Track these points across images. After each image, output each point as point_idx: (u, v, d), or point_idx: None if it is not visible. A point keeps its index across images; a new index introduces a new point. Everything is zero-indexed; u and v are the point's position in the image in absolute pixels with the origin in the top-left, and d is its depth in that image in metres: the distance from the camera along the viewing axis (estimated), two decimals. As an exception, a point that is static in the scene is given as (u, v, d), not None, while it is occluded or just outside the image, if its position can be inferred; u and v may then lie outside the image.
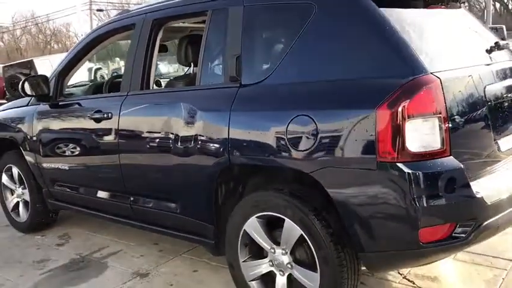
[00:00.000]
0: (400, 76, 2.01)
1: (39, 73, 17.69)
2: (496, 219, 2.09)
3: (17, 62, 20.98)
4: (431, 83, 1.98)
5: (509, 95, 2.45)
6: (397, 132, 1.96)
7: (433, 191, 1.98)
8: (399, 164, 1.97)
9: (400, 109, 1.95)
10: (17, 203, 4.24)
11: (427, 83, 1.98)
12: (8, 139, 4.09)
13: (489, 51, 2.49)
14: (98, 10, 48.08)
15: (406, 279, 2.93)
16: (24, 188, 4.12)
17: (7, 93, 18.09)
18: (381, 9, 2.17)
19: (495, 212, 2.09)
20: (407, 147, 1.97)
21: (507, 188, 2.18)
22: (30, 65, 18.13)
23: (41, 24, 67.65)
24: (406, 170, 1.96)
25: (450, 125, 2.02)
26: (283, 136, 2.25)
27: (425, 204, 1.96)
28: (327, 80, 2.23)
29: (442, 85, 2.00)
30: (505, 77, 2.47)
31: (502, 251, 3.20)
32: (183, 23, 3.45)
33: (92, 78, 14.40)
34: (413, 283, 2.88)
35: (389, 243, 2.10)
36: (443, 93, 2.00)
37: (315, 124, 2.15)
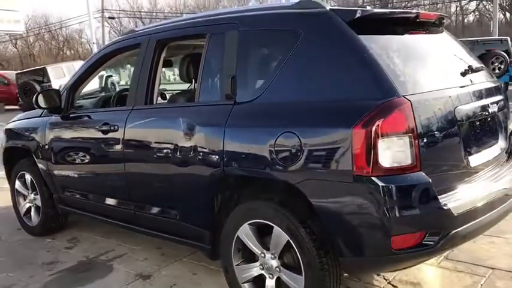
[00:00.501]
0: (374, 99, 2.23)
1: (52, 80, 18.09)
2: (463, 229, 2.29)
3: (30, 69, 21.43)
4: (402, 105, 2.20)
5: (480, 115, 2.66)
6: (371, 149, 2.17)
7: (404, 202, 2.19)
8: (373, 178, 2.19)
9: (373, 128, 2.16)
10: (29, 208, 4.50)
11: (398, 105, 2.20)
12: (21, 148, 4.36)
13: (463, 74, 2.69)
14: (109, 18, 48.70)
15: (391, 284, 3.12)
16: (36, 194, 4.37)
17: (20, 100, 18.53)
18: (360, 36, 2.40)
19: (462, 222, 2.29)
20: (380, 163, 2.18)
21: (474, 201, 2.38)
22: (42, 72, 18.55)
23: (54, 30, 68.62)
24: (379, 183, 2.18)
25: (420, 143, 2.23)
26: (271, 150, 2.47)
27: (396, 215, 2.17)
28: (310, 101, 2.45)
29: (412, 107, 2.21)
30: (476, 99, 2.67)
31: (484, 259, 3.39)
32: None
33: (103, 85, 14.69)
34: (397, 287, 3.07)
35: (365, 250, 2.31)
36: (414, 114, 2.21)
37: (300, 140, 2.37)
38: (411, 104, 2.22)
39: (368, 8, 2.82)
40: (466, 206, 2.31)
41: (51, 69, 18.54)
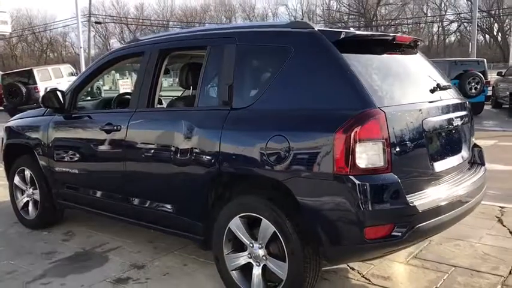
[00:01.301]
0: (353, 109, 2.59)
1: (38, 82, 18.13)
2: (427, 224, 2.66)
3: (16, 70, 21.45)
4: (377, 115, 2.56)
5: (445, 127, 3.05)
6: (349, 152, 2.53)
7: (376, 198, 2.54)
8: (350, 177, 2.54)
9: (352, 134, 2.52)
10: (27, 202, 4.74)
11: (374, 115, 2.56)
12: (23, 144, 4.61)
13: (432, 90, 3.09)
14: (96, 22, 48.74)
15: (364, 277, 3.47)
16: (34, 189, 4.62)
17: (4, 101, 18.57)
18: (343, 54, 2.76)
19: (426, 218, 2.65)
20: (357, 164, 2.54)
21: (437, 201, 2.75)
22: (29, 74, 18.64)
23: (38, 32, 68.24)
24: (355, 181, 2.53)
25: (392, 148, 2.60)
26: (263, 151, 2.81)
27: (369, 209, 2.53)
28: (298, 108, 2.81)
29: (386, 117, 2.58)
30: (442, 113, 3.06)
31: (448, 258, 3.76)
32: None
33: (89, 89, 14.74)
34: (370, 281, 3.41)
35: (342, 239, 2.65)
36: (387, 123, 2.58)
37: (288, 142, 2.71)
38: (385, 115, 2.58)
39: (352, 29, 3.20)
40: (430, 205, 2.68)
41: (37, 72, 18.66)
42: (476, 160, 3.59)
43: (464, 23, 59.68)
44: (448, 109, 3.15)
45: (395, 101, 2.77)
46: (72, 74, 19.67)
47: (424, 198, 2.69)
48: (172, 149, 3.29)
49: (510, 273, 3.49)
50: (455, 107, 3.26)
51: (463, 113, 3.35)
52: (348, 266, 3.61)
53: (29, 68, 19.73)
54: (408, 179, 2.69)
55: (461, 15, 59.88)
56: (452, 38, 66.03)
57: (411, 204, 2.58)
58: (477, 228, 4.44)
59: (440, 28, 65.33)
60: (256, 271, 2.99)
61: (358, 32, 2.99)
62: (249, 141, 2.92)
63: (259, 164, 2.84)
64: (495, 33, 62.21)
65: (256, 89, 3.09)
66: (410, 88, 3.07)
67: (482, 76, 14.77)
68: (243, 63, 3.13)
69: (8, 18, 22.62)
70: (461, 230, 4.35)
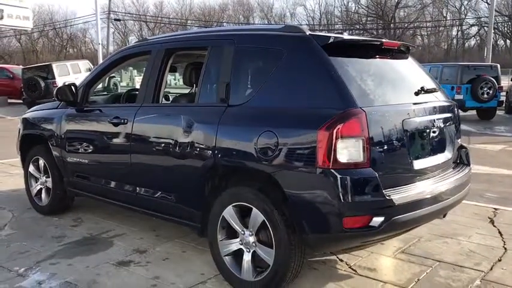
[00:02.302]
0: (337, 108, 2.80)
1: (56, 77, 18.60)
2: (402, 217, 2.86)
3: (36, 65, 21.99)
4: (358, 114, 2.77)
5: (426, 128, 3.24)
6: (332, 147, 2.74)
7: (355, 191, 2.75)
8: (332, 171, 2.75)
9: (334, 131, 2.74)
10: (40, 190, 5.04)
11: (355, 114, 2.77)
12: (38, 135, 4.91)
13: (417, 93, 3.28)
14: (115, 20, 49.40)
15: (351, 268, 3.67)
16: (47, 177, 4.91)
17: (24, 94, 19.09)
18: (332, 57, 2.98)
19: (402, 212, 2.85)
20: (339, 159, 2.75)
21: (413, 196, 2.95)
22: (48, 68, 19.12)
23: (58, 28, 69.39)
24: (337, 175, 2.74)
25: (371, 145, 2.80)
26: (254, 146, 3.04)
27: (348, 200, 2.74)
28: (287, 107, 3.03)
29: (367, 116, 2.79)
30: (424, 114, 3.24)
31: (434, 254, 3.95)
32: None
33: (106, 85, 15.24)
34: (356, 271, 3.62)
35: (323, 228, 2.87)
36: (368, 122, 2.79)
37: (277, 138, 2.94)
38: (366, 114, 2.79)
39: (345, 34, 3.41)
40: (407, 199, 2.88)
41: (56, 67, 19.13)
42: (462, 160, 3.76)
43: (485, 27, 59.05)
44: (431, 111, 3.33)
45: (377, 102, 2.98)
46: (89, 70, 20.10)
47: (401, 193, 2.89)
48: (174, 142, 3.53)
49: (491, 269, 3.66)
50: (440, 109, 3.45)
51: (448, 115, 3.53)
52: (337, 257, 3.82)
53: (48, 63, 20.21)
54: (387, 174, 2.89)
55: (482, 19, 59.26)
56: (472, 42, 65.42)
57: (388, 198, 2.79)
58: (469, 227, 4.62)
59: (460, 32, 64.77)
60: (247, 257, 3.22)
61: (346, 37, 3.20)
62: (242, 136, 3.15)
63: (250, 157, 3.07)
64: (516, 38, 61.50)
65: (251, 87, 3.33)
66: (394, 90, 3.27)
67: (495, 81, 14.80)
68: (240, 63, 3.35)
69: (30, 14, 23.11)
70: (453, 229, 4.54)
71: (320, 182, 2.80)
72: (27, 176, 5.15)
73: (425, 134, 3.25)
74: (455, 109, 3.73)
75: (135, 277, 3.52)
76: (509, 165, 8.21)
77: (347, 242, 2.97)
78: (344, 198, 2.73)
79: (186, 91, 4.81)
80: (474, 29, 63.01)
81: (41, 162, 4.94)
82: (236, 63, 3.35)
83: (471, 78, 14.99)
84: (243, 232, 3.22)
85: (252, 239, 3.17)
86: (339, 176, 2.74)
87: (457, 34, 65.24)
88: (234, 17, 71.08)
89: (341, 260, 3.79)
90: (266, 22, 67.26)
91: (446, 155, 3.48)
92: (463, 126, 12.78)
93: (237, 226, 3.24)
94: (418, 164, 3.13)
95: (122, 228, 4.57)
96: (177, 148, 3.51)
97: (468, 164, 3.75)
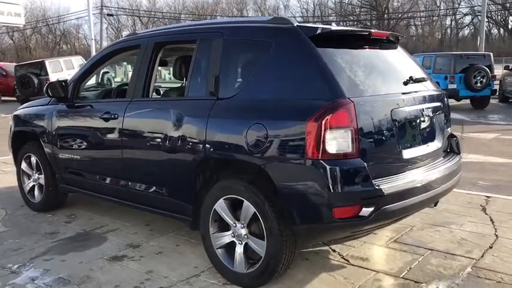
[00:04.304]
0: (325, 99, 2.81)
1: (49, 73, 18.51)
2: (392, 206, 2.87)
3: (29, 62, 21.87)
4: (346, 104, 2.78)
5: (415, 117, 3.25)
6: (320, 138, 2.75)
7: (344, 181, 2.76)
8: (321, 161, 2.76)
9: (323, 122, 2.74)
10: (33, 187, 5.03)
11: (343, 104, 2.78)
12: (29, 132, 4.90)
13: (406, 83, 3.29)
14: (108, 15, 49.17)
15: (344, 258, 3.70)
16: (40, 174, 4.90)
17: (17, 91, 19.01)
18: (319, 48, 2.98)
19: (391, 201, 2.86)
20: (327, 150, 2.76)
21: (403, 185, 2.96)
22: (41, 65, 19.02)
23: (51, 24, 68.93)
24: (326, 165, 2.75)
25: (360, 136, 2.81)
26: (244, 138, 3.04)
27: (337, 190, 2.75)
28: (276, 99, 3.03)
29: (355, 107, 2.79)
30: (413, 104, 3.25)
31: (426, 242, 3.97)
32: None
33: (99, 81, 15.15)
34: (348, 261, 3.64)
35: (313, 218, 2.88)
36: (356, 112, 2.79)
37: (266, 130, 2.94)
38: (354, 105, 2.80)
39: (333, 25, 3.41)
40: (396, 188, 2.90)
41: (49, 63, 19.05)
42: (453, 149, 3.78)
43: (478, 16, 58.93)
44: (420, 100, 3.34)
45: (366, 92, 2.98)
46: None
47: (390, 182, 2.90)
48: (164, 136, 3.53)
49: (482, 256, 3.69)
50: (429, 99, 3.46)
51: (437, 104, 3.54)
52: (330, 247, 3.84)
53: (40, 60, 20.13)
54: (376, 164, 2.91)
55: (475, 8, 59.18)
56: (466, 31, 65.35)
57: (377, 187, 2.80)
58: (461, 215, 4.65)
59: (454, 21, 64.70)
60: (239, 249, 3.23)
61: (334, 28, 3.19)
62: (232, 129, 3.16)
63: (240, 150, 3.07)
64: (510, 27, 61.47)
65: (240, 80, 3.32)
66: (383, 80, 3.27)
67: (488, 70, 14.84)
68: (228, 56, 3.35)
69: (21, 11, 22.95)
70: (445, 217, 4.57)
71: (309, 173, 2.81)
72: (20, 173, 5.14)
73: (414, 124, 3.26)
74: (445, 98, 3.74)
75: (128, 271, 3.53)
76: (502, 153, 8.25)
77: (337, 232, 2.99)
78: (334, 189, 2.74)
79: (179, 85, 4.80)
80: (468, 18, 63.00)
81: (33, 159, 4.93)
82: (225, 56, 3.35)
83: (464, 67, 15.02)
84: (234, 225, 3.23)
85: (243, 231, 3.18)
86: (328, 167, 2.75)
87: (451, 24, 65.19)
88: (227, 10, 70.72)
89: (334, 251, 3.81)
90: (260, 15, 66.95)
91: (436, 144, 3.49)
92: (457, 116, 12.87)
93: (229, 219, 3.24)
94: (408, 154, 3.14)
95: (116, 223, 4.57)
96: (168, 142, 3.51)
97: (459, 153, 3.76)
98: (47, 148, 4.66)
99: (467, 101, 15.87)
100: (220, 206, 3.26)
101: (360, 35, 3.30)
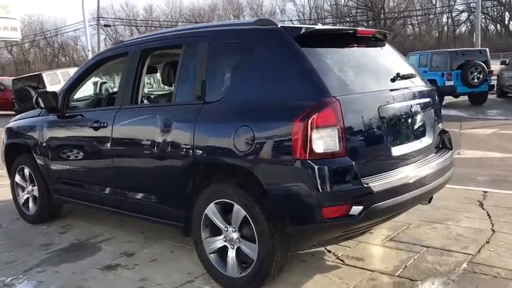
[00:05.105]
0: (311, 99, 2.78)
1: (47, 86, 18.53)
2: (382, 204, 2.84)
3: (26, 75, 21.89)
4: (332, 103, 2.75)
5: (403, 114, 3.22)
6: (307, 138, 2.72)
7: (332, 181, 2.73)
8: (309, 161, 2.74)
9: (309, 122, 2.72)
10: (27, 199, 5.01)
11: (329, 103, 2.75)
12: (22, 144, 4.88)
13: (393, 80, 3.26)
14: (105, 25, 49.32)
15: (339, 258, 3.66)
16: (33, 186, 4.88)
17: (16, 105, 19.02)
18: (304, 48, 2.96)
19: (381, 199, 2.83)
20: (315, 149, 2.73)
21: (393, 182, 2.93)
22: (38, 78, 19.07)
23: (49, 37, 69.19)
24: (313, 165, 2.73)
25: (347, 134, 2.79)
26: (232, 141, 3.02)
27: (326, 190, 2.72)
28: (262, 100, 3.01)
29: (341, 105, 2.77)
30: (401, 100, 3.22)
31: (423, 240, 3.94)
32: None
33: (97, 91, 15.11)
34: (343, 261, 3.61)
35: (303, 219, 2.85)
36: (342, 111, 2.77)
37: (253, 132, 2.92)
38: (340, 103, 2.77)
39: (319, 25, 3.39)
40: (385, 186, 2.86)
41: (46, 76, 19.08)
42: (445, 145, 3.75)
43: (474, 13, 58.99)
44: (408, 97, 3.31)
45: (352, 90, 2.96)
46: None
47: (380, 180, 2.87)
48: (153, 142, 3.51)
49: (479, 251, 3.65)
50: (418, 95, 3.43)
51: (426, 100, 3.51)
52: (325, 248, 3.81)
53: (38, 73, 20.17)
54: (365, 162, 2.88)
55: (471, 4, 59.17)
56: (463, 28, 65.36)
57: (366, 186, 2.77)
58: (458, 211, 4.61)
59: (450, 19, 64.75)
60: (231, 253, 3.20)
61: (318, 27, 3.18)
62: (219, 133, 3.13)
63: (229, 153, 3.05)
64: (506, 23, 61.51)
65: (226, 83, 3.30)
66: (370, 78, 3.24)
67: (484, 66, 14.81)
68: (214, 60, 3.33)
69: (18, 25, 23.01)
70: (442, 214, 4.53)
71: (297, 173, 2.78)
72: (14, 186, 5.12)
73: (403, 120, 3.23)
74: (435, 94, 3.71)
75: (122, 280, 3.51)
76: (501, 148, 8.22)
77: (328, 232, 2.96)
78: (322, 189, 2.72)
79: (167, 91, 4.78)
80: (464, 15, 63.03)
81: (26, 171, 4.92)
82: (210, 60, 3.33)
83: (461, 64, 14.99)
84: (226, 229, 3.20)
85: (235, 235, 3.16)
86: (315, 167, 2.72)
87: (448, 21, 65.25)
88: (224, 16, 70.92)
89: (329, 251, 3.77)
90: (256, 20, 67.01)
91: (427, 140, 3.46)
92: (455, 112, 12.82)
93: (220, 223, 3.22)
94: (397, 150, 3.11)
95: (111, 232, 4.54)
96: (157, 148, 3.49)
97: (451, 148, 3.74)
98: (39, 159, 4.64)
99: (466, 98, 15.83)
100: (211, 211, 3.23)
101: (345, 34, 3.29)
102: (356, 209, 2.75)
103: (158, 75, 4.65)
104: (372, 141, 2.98)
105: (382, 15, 60.86)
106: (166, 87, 4.37)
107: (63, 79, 19.20)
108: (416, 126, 3.37)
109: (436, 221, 4.36)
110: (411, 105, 3.28)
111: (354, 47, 3.34)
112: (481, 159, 7.45)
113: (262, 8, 71.86)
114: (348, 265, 3.54)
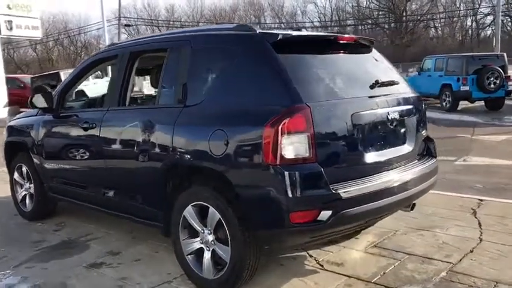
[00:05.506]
0: (282, 105, 2.80)
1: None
2: (351, 211, 2.84)
3: (44, 73, 22.34)
4: (303, 109, 2.77)
5: (380, 121, 3.21)
6: (277, 143, 2.74)
7: (300, 186, 2.75)
8: (278, 166, 2.76)
9: (279, 127, 2.74)
10: (25, 196, 5.13)
11: (299, 109, 2.77)
12: (20, 142, 5.01)
13: (372, 86, 3.26)
14: (126, 25, 49.92)
15: (319, 263, 3.67)
16: (31, 183, 5.00)
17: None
18: (280, 54, 2.98)
19: (351, 205, 2.83)
20: (284, 155, 2.75)
21: (363, 189, 2.92)
22: (56, 76, 19.42)
23: (72, 36, 70.29)
24: (283, 170, 2.75)
25: (317, 140, 2.80)
26: (207, 145, 3.06)
27: (294, 195, 2.74)
28: (237, 105, 3.04)
29: (311, 111, 2.78)
30: (377, 107, 3.20)
31: (406, 247, 3.91)
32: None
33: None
34: (322, 266, 3.61)
35: (271, 224, 2.87)
36: (312, 117, 2.78)
37: (227, 136, 2.95)
38: (311, 109, 2.78)
39: (304, 30, 3.40)
40: (355, 193, 2.86)
41: (64, 74, 19.40)
42: (429, 152, 3.72)
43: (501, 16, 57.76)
44: (387, 104, 3.29)
45: (325, 97, 2.97)
46: (98, 77, 20.32)
47: (349, 187, 2.87)
48: (136, 144, 3.58)
49: (460, 260, 3.62)
50: (399, 102, 3.41)
51: (408, 107, 3.49)
52: (307, 253, 3.82)
53: (55, 71, 20.54)
54: (335, 169, 2.89)
55: (496, 8, 57.96)
56: (488, 32, 64.07)
57: (334, 192, 2.78)
58: (449, 219, 4.57)
59: (474, 22, 63.60)
60: (207, 255, 3.24)
61: (295, 33, 3.19)
62: (196, 136, 3.18)
63: (204, 157, 3.09)
64: (532, 26, 60.13)
65: (206, 87, 3.33)
66: (348, 85, 3.23)
67: (501, 71, 14.57)
68: (195, 64, 3.38)
69: (38, 24, 23.44)
70: (431, 221, 4.50)
71: (267, 178, 2.81)
72: (13, 183, 5.25)
73: (379, 127, 3.22)
74: (420, 101, 3.69)
75: (103, 279, 3.58)
76: (509, 155, 8.07)
77: (297, 237, 2.97)
78: (290, 193, 2.74)
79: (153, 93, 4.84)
80: (489, 19, 61.82)
81: (24, 169, 5.04)
82: (192, 64, 3.38)
83: (477, 68, 14.77)
84: (202, 231, 3.24)
85: (211, 237, 3.19)
86: (285, 172, 2.74)
87: (472, 24, 64.10)
88: (245, 17, 70.98)
89: (310, 256, 3.78)
90: (277, 21, 67.04)
91: (407, 147, 3.44)
92: (469, 118, 12.63)
93: (197, 225, 3.26)
94: (371, 157, 3.11)
95: (101, 231, 4.62)
96: (140, 150, 3.55)
97: (434, 156, 3.71)
98: (35, 158, 4.76)
99: (482, 103, 15.59)
100: (189, 213, 3.28)
101: (325, 40, 3.29)
102: (324, 215, 2.76)
103: (147, 77, 4.70)
104: (344, 147, 2.98)
105: (404, 18, 60.14)
106: (153, 89, 4.43)
107: (80, 78, 19.53)
108: (395, 133, 3.36)
109: (424, 228, 4.33)
110: (389, 112, 3.26)
111: (335, 53, 3.34)
112: (488, 166, 7.35)
113: (283, 9, 71.70)
114: (327, 270, 3.55)
